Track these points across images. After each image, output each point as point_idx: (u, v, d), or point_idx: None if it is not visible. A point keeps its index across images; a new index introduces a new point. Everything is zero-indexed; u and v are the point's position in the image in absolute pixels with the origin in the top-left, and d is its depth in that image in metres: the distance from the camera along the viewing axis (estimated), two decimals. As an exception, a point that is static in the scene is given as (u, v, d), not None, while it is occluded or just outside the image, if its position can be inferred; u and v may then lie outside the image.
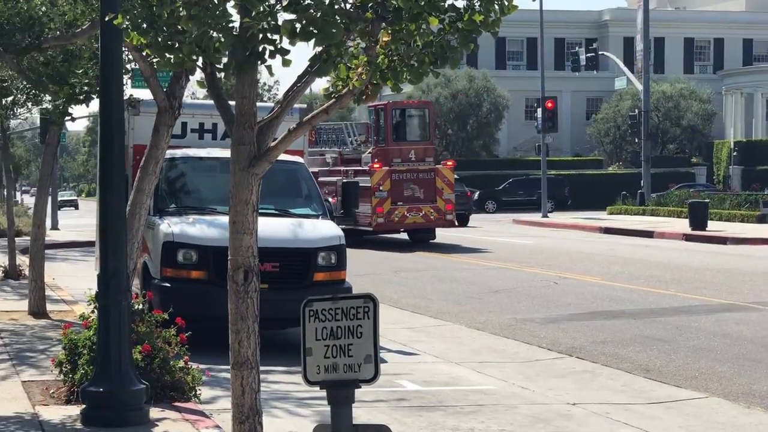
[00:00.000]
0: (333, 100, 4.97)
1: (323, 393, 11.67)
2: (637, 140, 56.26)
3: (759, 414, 10.61)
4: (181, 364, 10.29)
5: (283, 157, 15.64)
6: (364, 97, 4.89)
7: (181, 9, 4.69)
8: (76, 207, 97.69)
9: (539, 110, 53.01)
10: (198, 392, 10.27)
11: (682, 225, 39.01)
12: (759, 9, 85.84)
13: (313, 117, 5.10)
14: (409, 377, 12.51)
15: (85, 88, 12.43)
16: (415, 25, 4.52)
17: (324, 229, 14.58)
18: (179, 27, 4.71)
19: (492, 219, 54.81)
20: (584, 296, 19.79)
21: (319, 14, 4.32)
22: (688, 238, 35.90)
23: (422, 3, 4.41)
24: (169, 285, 13.72)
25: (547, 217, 51.36)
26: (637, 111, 54.51)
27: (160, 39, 4.80)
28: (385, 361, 13.69)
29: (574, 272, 24.04)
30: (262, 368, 11.69)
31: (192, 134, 16.26)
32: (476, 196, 61.38)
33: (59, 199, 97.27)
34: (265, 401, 10.84)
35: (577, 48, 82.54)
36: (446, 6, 4.57)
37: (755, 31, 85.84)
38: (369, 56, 4.70)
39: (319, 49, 4.62)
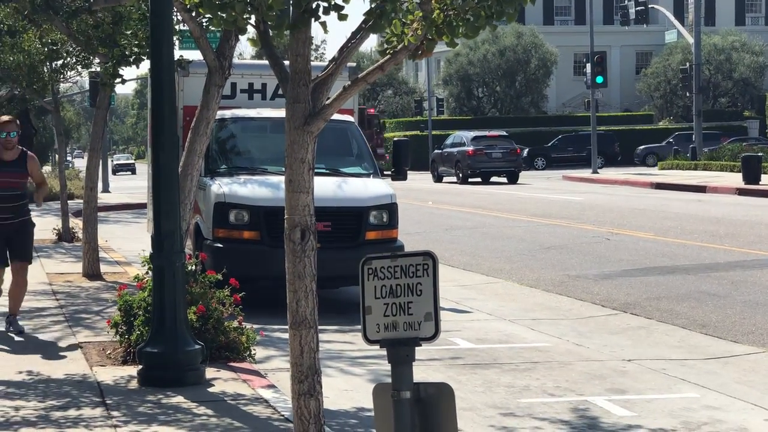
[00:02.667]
0: (388, 56, 4.89)
1: (376, 352, 11.70)
2: (688, 94, 55.73)
3: (818, 369, 10.51)
4: (236, 324, 10.34)
5: (333, 116, 15.77)
6: (419, 52, 4.82)
7: (234, -34, 4.63)
8: (134, 171, 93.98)
9: (588, 65, 52.55)
10: (252, 352, 10.32)
11: (735, 179, 38.64)
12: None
13: (369, 74, 5.03)
14: (462, 335, 12.50)
15: (135, 49, 12.44)
16: (472, -25, 4.46)
17: (375, 188, 14.56)
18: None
19: (541, 176, 54.66)
20: (637, 252, 19.65)
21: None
22: (741, 192, 35.54)
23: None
24: (221, 246, 13.77)
25: (597, 173, 51.10)
26: (688, 65, 53.85)
27: (211, -4, 4.75)
28: (438, 319, 13.72)
29: (626, 228, 23.88)
30: (316, 327, 11.86)
31: (242, 95, 16.24)
32: (525, 153, 61.04)
33: (115, 163, 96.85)
34: (274, 358, 10.93)
35: (626, 1, 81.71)
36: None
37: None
38: (424, 11, 4.62)
39: (373, 4, 4.55)
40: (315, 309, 4.96)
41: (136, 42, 12.38)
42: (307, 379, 4.85)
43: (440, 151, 53.20)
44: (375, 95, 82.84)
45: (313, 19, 4.64)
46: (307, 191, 4.82)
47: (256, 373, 9.88)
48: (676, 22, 61.97)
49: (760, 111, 73.64)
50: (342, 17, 4.60)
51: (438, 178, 52.00)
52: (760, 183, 36.80)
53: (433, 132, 67.16)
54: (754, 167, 37.69)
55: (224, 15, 4.79)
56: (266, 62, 5.41)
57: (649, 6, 68.01)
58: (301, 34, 4.68)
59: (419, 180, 51.88)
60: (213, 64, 10.38)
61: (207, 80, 10.51)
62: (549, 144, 65.79)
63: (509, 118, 73.97)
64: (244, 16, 4.74)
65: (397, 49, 4.83)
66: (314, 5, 4.51)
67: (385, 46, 4.89)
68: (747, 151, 42.87)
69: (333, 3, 4.51)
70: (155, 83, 9.30)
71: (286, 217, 4.93)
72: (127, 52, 12.42)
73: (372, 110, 67.19)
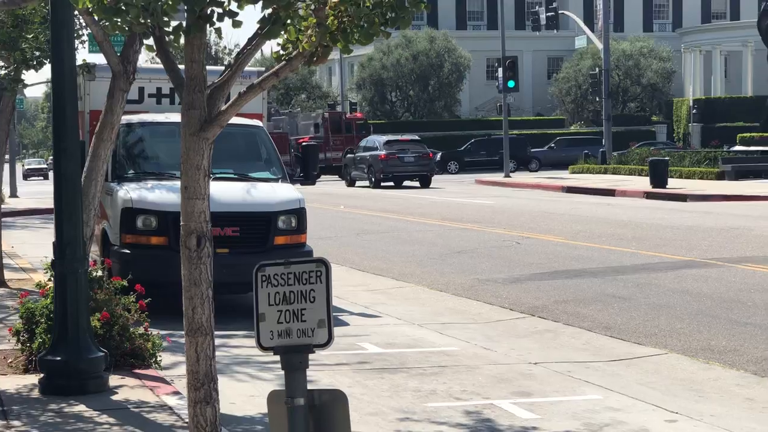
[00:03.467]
0: (283, 62, 4.88)
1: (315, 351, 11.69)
2: (598, 99, 56.37)
3: (717, 370, 10.67)
4: (141, 330, 10.22)
5: (242, 121, 15.67)
6: (315, 59, 4.81)
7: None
8: (46, 176, 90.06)
9: (500, 70, 52.92)
10: (158, 358, 10.21)
11: (643, 183, 39.19)
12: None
13: (264, 80, 5.01)
14: (371, 340, 12.49)
15: (36, 53, 12.23)
16: (364, -14, 4.46)
17: (284, 193, 14.50)
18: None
19: (455, 180, 54.91)
20: (546, 256, 19.83)
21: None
22: (648, 195, 36.09)
23: (370, -39, 4.34)
24: (128, 251, 13.62)
25: (510, 177, 51.49)
26: (597, 70, 54.57)
27: (106, 1, 4.70)
28: (347, 324, 13.69)
29: (536, 232, 24.09)
30: (224, 333, 11.76)
31: (149, 99, 16.07)
32: (438, 157, 61.47)
33: (26, 167, 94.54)
34: (227, 366, 10.87)
35: (537, 7, 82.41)
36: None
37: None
38: (318, 18, 4.61)
39: (268, 11, 4.54)
40: (211, 316, 4.92)
41: (38, 45, 12.18)
42: (203, 387, 4.81)
43: (353, 155, 53.22)
44: (289, 99, 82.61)
45: (208, 25, 4.61)
46: (203, 198, 4.78)
47: (162, 379, 9.78)
48: (586, 28, 62.79)
49: (667, 116, 74.96)
50: (236, 24, 4.57)
51: (351, 183, 51.88)
52: (667, 186, 37.39)
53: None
54: (661, 171, 38.27)
55: (119, 20, 4.74)
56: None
57: (560, 12, 68.85)
58: (195, 40, 4.64)
59: (332, 184, 51.86)
60: (117, 68, 10.25)
61: (111, 84, 10.37)
62: (462, 148, 66.12)
63: (423, 122, 74.32)
64: (140, 21, 4.69)
65: (293, 55, 4.82)
66: (209, 11, 4.48)
67: (281, 52, 4.89)
68: (654, 155, 43.53)
69: (227, 9, 4.49)
70: (57, 87, 9.14)
71: (182, 224, 4.89)
72: (28, 56, 12.22)
73: (360, 114, 67.60)
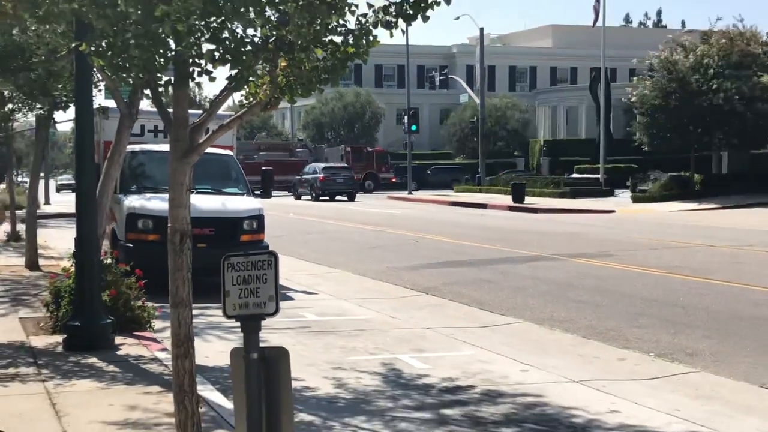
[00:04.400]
0: (245, 109, 4.84)
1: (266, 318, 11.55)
2: (475, 139, 56.77)
3: (558, 334, 10.77)
4: (140, 303, 10.06)
5: (218, 150, 15.48)
6: (269, 106, 4.78)
7: (131, 39, 4.50)
8: (74, 190, 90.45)
9: (406, 118, 53.12)
10: (152, 324, 10.05)
11: (507, 200, 39.58)
12: (561, 46, 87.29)
13: (231, 121, 4.97)
14: (310, 311, 12.41)
15: (64, 98, 11.98)
16: (305, 55, 4.42)
17: (248, 203, 14.38)
18: (129, 53, 4.52)
19: (372, 196, 54.87)
20: (437, 251, 19.91)
21: (232, 45, 4.20)
22: (511, 209, 36.43)
23: (309, 38, 4.31)
24: (131, 245, 13.39)
25: (412, 194, 51.60)
26: (475, 118, 54.98)
27: (115, 62, 4.61)
28: (293, 299, 13.58)
29: (430, 233, 24.18)
30: (202, 305, 11.58)
31: (149, 134, 15.86)
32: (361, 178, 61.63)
33: (59, 183, 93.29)
34: (203, 330, 10.69)
35: (433, 72, 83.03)
36: (327, 41, 4.48)
37: (559, 61, 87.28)
38: (271, 77, 4.57)
39: (235, 71, 4.48)
40: (189, 293, 4.85)
41: (65, 93, 11.94)
42: (183, 345, 4.72)
43: (300, 177, 53.27)
44: (253, 135, 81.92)
45: (190, 80, 4.54)
46: (185, 206, 4.70)
47: (154, 339, 9.62)
48: (468, 88, 63.17)
49: (525, 151, 75.55)
50: (212, 80, 4.52)
51: (298, 197, 51.90)
52: (525, 202, 37.77)
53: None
54: (520, 191, 38.65)
55: (124, 75, 4.65)
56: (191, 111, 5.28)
57: (449, 76, 69.36)
58: (180, 92, 4.57)
59: (285, 198, 51.59)
60: (124, 111, 10.07)
61: (120, 123, 10.19)
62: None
63: (350, 154, 74.03)
64: (140, 76, 4.60)
65: (252, 103, 4.77)
66: (191, 70, 4.42)
67: (244, 101, 4.84)
68: (515, 180, 43.98)
69: (204, 69, 4.43)
70: (79, 123, 8.97)
71: (169, 225, 4.81)
72: (58, 101, 11.98)
73: (380, 148, 66.79)
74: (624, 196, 39.93)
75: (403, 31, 4.56)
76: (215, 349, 9.65)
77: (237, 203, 14.28)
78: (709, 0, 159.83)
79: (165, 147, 15.04)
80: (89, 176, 8.91)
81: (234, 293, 4.02)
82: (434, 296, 13.71)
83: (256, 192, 15.47)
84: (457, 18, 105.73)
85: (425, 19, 4.43)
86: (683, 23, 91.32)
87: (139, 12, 4.13)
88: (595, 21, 46.52)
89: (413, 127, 52.82)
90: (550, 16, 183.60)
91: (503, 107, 75.92)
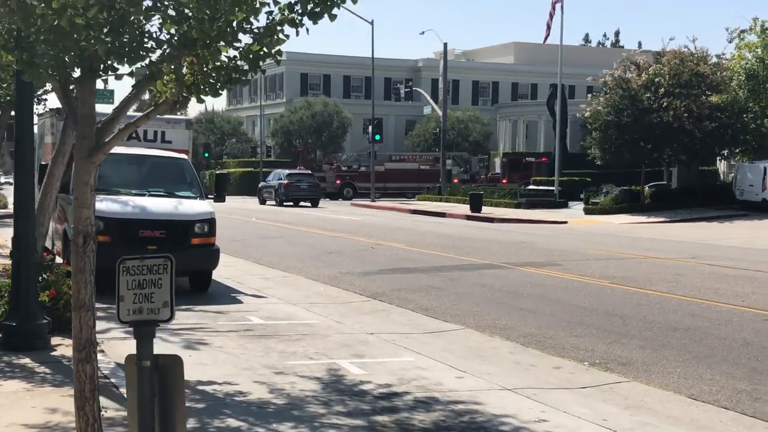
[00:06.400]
0: (151, 108, 4.57)
1: (191, 325, 11.09)
2: (438, 150, 56.64)
3: (497, 341, 10.58)
4: (81, 304, 9.67)
5: (173, 154, 15.11)
6: (177, 106, 4.51)
7: (40, 35, 4.20)
8: None
9: (370, 128, 52.92)
10: (93, 325, 9.67)
11: (466, 209, 39.45)
12: (522, 62, 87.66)
13: (138, 120, 4.69)
14: (257, 314, 12.11)
15: (8, 98, 11.57)
16: (209, 52, 4.15)
17: (200, 207, 14.02)
18: (38, 49, 4.23)
19: (337, 202, 54.51)
20: (391, 257, 19.67)
21: (127, 39, 3.92)
22: (468, 218, 36.30)
23: (213, 34, 4.04)
24: (81, 246, 12.99)
25: (375, 201, 51.36)
26: (438, 130, 54.86)
27: (24, 57, 4.31)
28: (242, 302, 13.27)
29: (387, 240, 23.94)
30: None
31: None
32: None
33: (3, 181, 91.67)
34: (112, 330, 10.30)
35: (398, 85, 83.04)
36: (230, 37, 4.21)
37: (520, 77, 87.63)
38: (177, 75, 4.30)
39: (134, 67, 4.20)
40: (93, 296, 4.54)
41: (9, 93, 11.54)
42: (84, 349, 4.42)
43: (265, 182, 53.02)
44: (223, 141, 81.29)
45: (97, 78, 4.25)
46: (89, 207, 4.40)
47: (93, 341, 9.25)
48: (431, 101, 63.11)
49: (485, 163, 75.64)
50: (118, 77, 4.25)
51: (262, 202, 51.51)
52: (482, 212, 37.66)
53: (264, 169, 66.19)
54: (478, 201, 38.53)
55: (34, 71, 4.35)
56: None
57: (414, 89, 69.31)
58: (86, 88, 4.28)
59: (250, 203, 51.11)
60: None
61: (64, 123, 9.84)
62: (344, 180, 65.63)
63: (319, 162, 73.68)
64: (49, 72, 4.31)
65: (160, 102, 4.49)
66: (94, 66, 4.13)
67: (152, 101, 4.56)
68: (474, 190, 43.88)
69: (110, 65, 4.15)
70: (18, 124, 8.60)
71: (72, 226, 4.50)
72: (2, 100, 11.58)
73: (545, 158, 62.65)
74: (577, 208, 39.97)
75: (308, 30, 4.30)
76: (125, 351, 9.26)
77: (189, 206, 13.93)
78: (665, 21, 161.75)
79: (119, 149, 14.77)
80: (27, 176, 8.54)
81: (128, 298, 3.74)
82: (382, 302, 13.45)
83: (209, 196, 15.15)
84: (422, 33, 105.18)
85: (332, 17, 4.19)
86: (640, 44, 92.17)
87: (42, 5, 3.84)
88: (546, 37, 46.65)
89: (377, 137, 52.57)
90: (514, 33, 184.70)
91: (466, 120, 76.02)
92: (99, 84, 4.50)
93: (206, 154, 71.00)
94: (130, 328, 3.86)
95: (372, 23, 53.96)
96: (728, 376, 8.72)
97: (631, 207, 37.13)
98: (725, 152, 40.04)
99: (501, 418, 7.14)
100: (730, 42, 40.08)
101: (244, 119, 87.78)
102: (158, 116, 16.34)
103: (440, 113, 53.59)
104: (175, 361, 3.70)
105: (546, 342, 10.37)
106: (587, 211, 37.64)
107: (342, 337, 10.56)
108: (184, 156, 15.10)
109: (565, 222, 33.64)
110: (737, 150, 39.45)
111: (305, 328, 11.15)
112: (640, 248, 22.17)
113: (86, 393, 4.23)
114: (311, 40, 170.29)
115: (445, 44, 51.84)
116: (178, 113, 6.29)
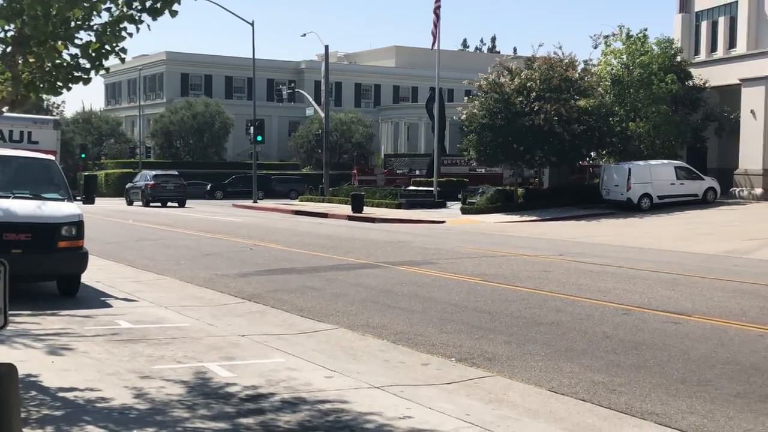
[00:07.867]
0: (-14, 106, 4.33)
1: (56, 330, 10.68)
2: (320, 151, 56.56)
3: (369, 339, 10.59)
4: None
5: (38, 155, 14.50)
6: (15, 105, 4.28)
7: None
8: None
9: (252, 128, 52.37)
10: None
11: (348, 210, 39.56)
12: (403, 65, 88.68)
13: (-28, 118, 4.46)
14: (126, 318, 11.74)
15: None
16: (44, 49, 3.96)
17: (67, 209, 13.48)
18: None
19: (219, 204, 53.76)
20: (269, 258, 19.48)
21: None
22: (350, 218, 36.40)
23: (48, 31, 3.86)
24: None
25: (257, 202, 50.89)
26: (321, 131, 54.82)
27: None
28: (111, 306, 12.85)
29: (266, 241, 23.71)
30: (14, 311, 10.71)
31: None
32: (209, 187, 60.86)
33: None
34: (9, 337, 9.88)
35: (281, 86, 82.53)
36: (67, 35, 4.03)
37: (401, 80, 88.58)
38: (13, 73, 4.08)
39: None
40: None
41: None
42: None
43: (132, 183, 52.67)
44: (101, 142, 78.77)
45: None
46: None
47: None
48: (314, 103, 62.99)
49: (369, 164, 76.05)
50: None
51: (130, 203, 51.40)
52: (363, 212, 37.84)
53: (144, 171, 64.59)
54: (359, 201, 38.71)
55: None
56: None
57: (296, 90, 68.96)
58: None
59: (122, 203, 50.02)
60: None
61: None
62: (226, 181, 64.91)
63: (199, 162, 72.41)
64: None
65: (-5, 100, 4.26)
66: None
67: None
68: (355, 191, 44.05)
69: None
70: None
71: None
72: None
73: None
74: (455, 207, 40.66)
75: (149, 27, 4.18)
76: (17, 357, 8.89)
77: (56, 209, 13.38)
78: (538, 29, 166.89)
79: (8, 152, 14.07)
80: None
81: (-42, 304, 3.51)
82: (257, 303, 13.28)
83: (77, 198, 14.60)
84: (304, 35, 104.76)
85: (173, 14, 4.07)
86: (515, 50, 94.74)
87: None
88: (434, 43, 47.33)
89: (258, 138, 52.08)
90: (395, 37, 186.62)
91: (348, 122, 76.27)
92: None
93: (83, 155, 68.69)
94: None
95: (252, 24, 53.45)
96: (587, 368, 9.00)
97: (505, 206, 38.07)
98: (593, 153, 41.58)
99: (366, 416, 7.15)
100: (595, 48, 41.77)
101: (123, 119, 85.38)
102: (25, 116, 15.86)
103: (323, 115, 53.55)
104: (8, 370, 3.51)
105: (416, 339, 10.47)
106: (464, 211, 38.35)
107: (213, 340, 10.35)
108: (51, 157, 14.53)
109: (443, 222, 34.17)
110: (604, 151, 41.04)
111: (175, 331, 10.88)
112: (512, 246, 22.73)
113: None
114: (192, 41, 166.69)
115: (327, 46, 51.83)
116: (33, 112, 6.00)
